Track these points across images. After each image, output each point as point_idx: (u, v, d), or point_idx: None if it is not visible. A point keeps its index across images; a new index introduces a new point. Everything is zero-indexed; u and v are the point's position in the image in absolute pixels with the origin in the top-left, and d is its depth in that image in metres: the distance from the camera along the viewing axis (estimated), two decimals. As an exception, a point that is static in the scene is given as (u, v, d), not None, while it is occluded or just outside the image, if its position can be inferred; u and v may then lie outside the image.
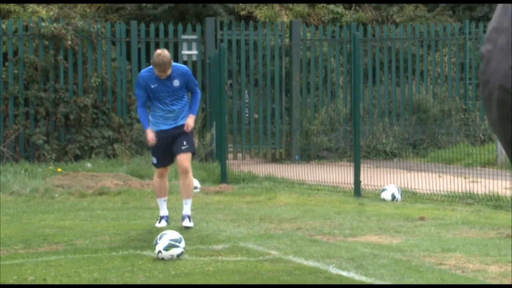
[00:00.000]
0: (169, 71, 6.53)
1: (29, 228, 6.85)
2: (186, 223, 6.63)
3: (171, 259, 5.41)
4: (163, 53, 6.50)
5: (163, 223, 6.71)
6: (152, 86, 6.58)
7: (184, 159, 6.62)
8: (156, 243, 5.48)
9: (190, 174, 6.72)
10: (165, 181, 6.83)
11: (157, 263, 5.31)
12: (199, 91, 6.86)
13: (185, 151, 6.64)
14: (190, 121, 6.68)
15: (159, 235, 5.54)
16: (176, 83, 6.59)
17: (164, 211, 6.82)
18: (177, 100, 6.65)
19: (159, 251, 5.44)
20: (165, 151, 6.69)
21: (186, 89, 6.72)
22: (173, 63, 6.64)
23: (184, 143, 6.63)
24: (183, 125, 6.66)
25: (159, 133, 6.67)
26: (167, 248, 5.43)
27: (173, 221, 6.96)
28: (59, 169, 11.04)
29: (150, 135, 6.64)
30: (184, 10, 17.54)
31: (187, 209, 6.69)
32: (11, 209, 8.13)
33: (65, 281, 4.81)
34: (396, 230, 6.69)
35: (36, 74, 12.65)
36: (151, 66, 6.67)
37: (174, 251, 5.45)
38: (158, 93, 6.59)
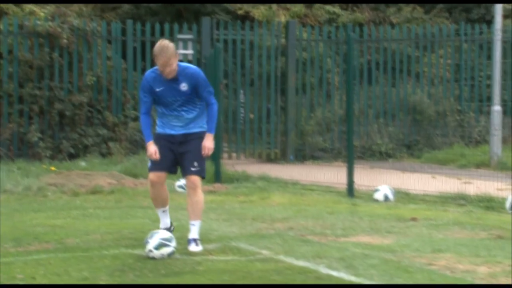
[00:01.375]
0: (173, 65, 5.58)
1: (20, 226, 6.85)
2: (193, 247, 5.71)
3: (162, 258, 5.41)
4: (164, 41, 5.62)
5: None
6: (157, 90, 5.68)
7: (195, 178, 5.77)
8: (147, 242, 5.48)
9: (200, 190, 5.81)
10: (160, 189, 5.85)
11: (148, 262, 5.31)
12: (215, 101, 5.77)
13: (196, 173, 5.75)
14: (208, 143, 5.72)
15: (149, 234, 5.54)
16: (184, 86, 5.65)
17: (164, 223, 5.94)
18: (187, 106, 5.72)
19: (150, 250, 5.44)
20: (165, 154, 5.76)
21: (197, 97, 5.73)
22: (182, 63, 5.71)
23: (195, 164, 5.74)
24: (194, 134, 5.76)
25: (164, 136, 5.80)
26: (158, 247, 5.43)
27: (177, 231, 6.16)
28: (52, 168, 11.04)
29: (152, 149, 5.71)
30: (181, 8, 17.55)
31: (194, 232, 5.77)
32: (3, 207, 8.12)
33: (54, 280, 4.81)
34: (387, 230, 6.70)
35: (31, 72, 12.65)
36: (156, 66, 5.70)
37: (165, 250, 5.44)
38: (164, 97, 5.69)
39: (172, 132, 5.78)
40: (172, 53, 5.58)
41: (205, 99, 5.73)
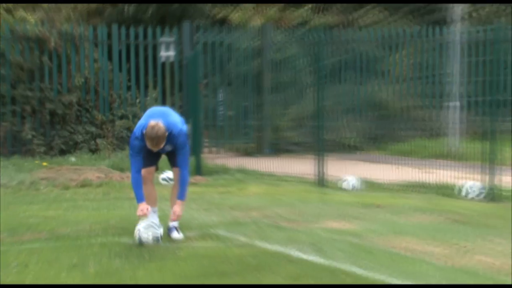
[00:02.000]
0: (162, 145, 5.42)
1: (14, 218, 6.85)
2: (175, 235, 5.71)
3: (147, 240, 5.44)
4: (157, 126, 5.32)
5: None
6: (147, 147, 5.49)
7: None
8: (138, 224, 5.51)
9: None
10: (151, 185, 5.73)
11: (133, 249, 5.35)
12: (187, 169, 5.60)
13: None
14: (178, 209, 5.60)
15: (141, 220, 5.57)
16: (168, 146, 5.59)
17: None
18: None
19: (138, 229, 5.46)
20: (151, 152, 5.61)
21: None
22: (168, 124, 5.46)
23: (183, 159, 5.69)
24: (177, 143, 5.60)
25: None
26: (147, 227, 5.46)
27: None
28: (44, 163, 11.02)
29: (143, 209, 5.41)
30: (165, 13, 17.54)
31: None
32: (-2, 200, 8.12)
33: (45, 267, 4.85)
34: (354, 216, 6.80)
35: (22, 74, 12.59)
36: (144, 125, 5.49)
37: (152, 232, 5.46)
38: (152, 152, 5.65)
39: None
40: (162, 138, 5.39)
41: (179, 162, 5.58)
